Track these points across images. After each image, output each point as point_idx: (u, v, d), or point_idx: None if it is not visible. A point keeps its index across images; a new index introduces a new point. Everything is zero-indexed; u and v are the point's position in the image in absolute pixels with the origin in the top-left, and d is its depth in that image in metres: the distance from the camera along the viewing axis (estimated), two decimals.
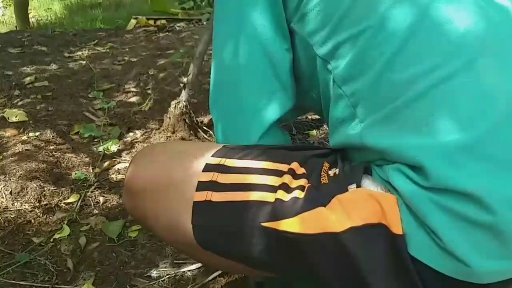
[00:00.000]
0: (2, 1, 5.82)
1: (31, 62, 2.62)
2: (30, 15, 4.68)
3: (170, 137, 1.73)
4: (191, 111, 1.75)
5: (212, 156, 0.70)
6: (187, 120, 1.73)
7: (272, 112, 0.76)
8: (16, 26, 4.23)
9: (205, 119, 1.90)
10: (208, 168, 0.68)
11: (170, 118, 1.74)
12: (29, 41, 3.06)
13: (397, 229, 0.58)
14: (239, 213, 0.64)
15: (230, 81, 0.78)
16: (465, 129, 0.56)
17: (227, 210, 0.65)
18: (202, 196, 0.66)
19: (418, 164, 0.57)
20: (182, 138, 1.71)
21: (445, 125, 0.56)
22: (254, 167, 0.67)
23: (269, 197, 0.63)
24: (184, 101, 1.73)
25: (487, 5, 0.61)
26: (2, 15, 5.53)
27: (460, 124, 0.56)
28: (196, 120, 1.80)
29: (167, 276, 1.13)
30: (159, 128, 1.81)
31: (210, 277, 1.10)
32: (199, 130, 1.78)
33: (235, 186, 0.65)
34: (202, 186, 0.67)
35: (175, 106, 1.73)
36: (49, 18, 5.06)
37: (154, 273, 1.14)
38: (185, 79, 1.74)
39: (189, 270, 1.14)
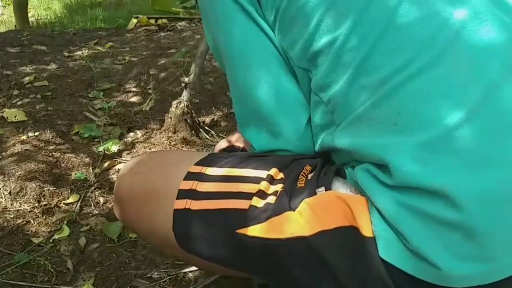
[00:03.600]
0: (1, 0, 5.81)
1: (31, 61, 2.61)
2: (29, 14, 4.67)
3: (171, 137, 1.72)
4: (192, 111, 1.74)
5: (195, 164, 0.72)
6: (188, 120, 1.72)
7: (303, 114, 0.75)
8: (15, 26, 4.22)
9: (207, 119, 1.89)
10: (189, 176, 0.70)
11: (171, 118, 1.73)
12: (28, 40, 3.04)
13: (367, 231, 0.57)
14: (216, 221, 0.66)
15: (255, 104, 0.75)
16: (431, 126, 0.55)
17: (205, 218, 0.67)
18: (182, 204, 0.69)
19: (383, 162, 0.56)
20: (184, 138, 1.70)
21: (410, 123, 0.56)
22: (233, 175, 0.69)
23: (244, 204, 0.65)
24: (186, 101, 1.72)
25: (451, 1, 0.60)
26: (1, 14, 5.52)
27: (426, 121, 0.55)
28: (198, 120, 1.79)
29: (168, 277, 1.12)
30: (160, 128, 1.80)
31: (212, 279, 1.09)
32: (200, 130, 1.77)
33: (213, 194, 0.68)
34: (182, 194, 0.69)
35: (177, 106, 1.73)
36: (49, 17, 5.05)
37: (155, 274, 1.13)
38: (186, 79, 1.73)
39: (190, 271, 1.12)
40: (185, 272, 1.13)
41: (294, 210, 0.61)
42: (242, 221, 0.64)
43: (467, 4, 0.59)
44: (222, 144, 1.05)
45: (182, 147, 1.69)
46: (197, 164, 0.72)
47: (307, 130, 0.72)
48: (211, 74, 2.29)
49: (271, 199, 0.64)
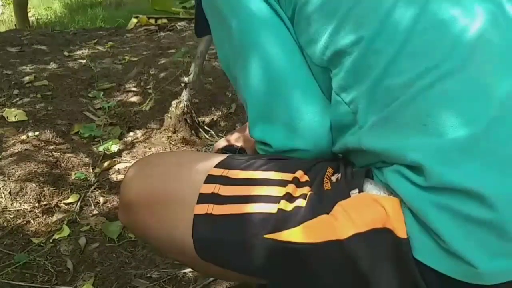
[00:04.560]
0: (2, 0, 5.81)
1: (31, 61, 2.60)
2: (29, 14, 4.67)
3: (171, 137, 1.72)
4: (192, 111, 1.75)
5: (215, 167, 0.69)
6: (188, 120, 1.72)
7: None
8: (15, 25, 4.22)
9: (207, 119, 1.89)
10: (210, 179, 0.67)
11: (171, 118, 1.73)
12: (28, 40, 3.04)
13: (401, 233, 0.57)
14: (240, 226, 0.63)
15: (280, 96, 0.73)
16: (462, 127, 0.56)
17: (228, 223, 0.64)
18: (203, 209, 0.65)
19: (416, 164, 0.57)
20: (183, 138, 1.70)
21: (442, 125, 0.56)
22: (257, 178, 0.66)
23: (271, 208, 0.62)
24: (186, 101, 1.72)
25: (474, 10, 0.61)
26: (2, 13, 5.52)
27: (457, 123, 0.56)
28: (198, 120, 1.79)
29: (168, 277, 1.12)
30: (159, 128, 1.80)
31: (211, 278, 1.09)
32: (200, 130, 1.78)
33: (237, 198, 0.65)
34: (204, 198, 0.66)
35: (176, 105, 1.73)
36: (49, 17, 5.05)
37: (154, 274, 1.13)
38: (186, 79, 1.74)
39: (190, 271, 1.13)
40: (185, 272, 1.13)
41: (327, 213, 0.60)
42: (270, 225, 0.61)
43: (485, 9, 0.60)
44: (221, 143, 1.05)
45: (182, 146, 1.69)
46: (217, 166, 0.69)
47: (327, 129, 0.70)
48: (211, 74, 2.29)
49: (301, 202, 0.62)
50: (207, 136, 1.76)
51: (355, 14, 0.62)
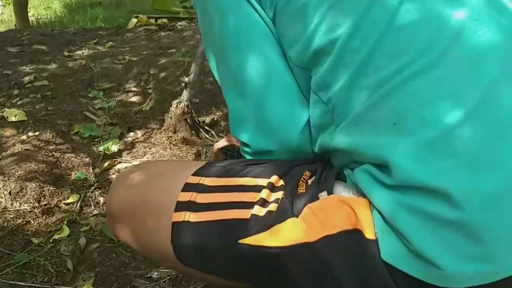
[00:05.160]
0: (2, 0, 5.81)
1: (31, 61, 2.60)
2: (29, 14, 4.67)
3: (171, 137, 1.72)
4: (192, 111, 1.74)
5: (193, 175, 0.71)
6: (188, 120, 1.72)
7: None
8: (15, 25, 4.22)
9: (207, 119, 1.89)
10: (187, 188, 0.69)
11: (171, 117, 1.73)
12: (28, 40, 3.04)
13: (370, 234, 0.57)
14: (216, 232, 0.65)
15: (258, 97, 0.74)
16: (431, 126, 0.55)
17: (205, 229, 0.66)
18: (180, 216, 0.67)
19: (383, 161, 0.56)
20: (184, 138, 1.70)
21: (411, 123, 0.56)
22: (233, 185, 0.68)
23: (245, 214, 0.64)
24: (186, 101, 1.72)
25: (458, 1, 0.60)
26: (1, 13, 5.52)
27: (426, 121, 0.55)
28: (198, 120, 1.79)
29: (168, 277, 1.12)
30: (160, 128, 1.80)
31: None
32: (200, 130, 1.77)
33: (213, 205, 0.66)
34: (181, 206, 0.68)
35: (177, 105, 1.72)
36: (49, 17, 5.05)
37: (154, 274, 1.13)
38: (186, 79, 1.73)
39: None
40: None
41: (297, 216, 0.61)
42: (244, 231, 0.63)
43: (466, 6, 0.59)
44: (221, 143, 1.05)
45: (182, 146, 1.69)
46: (195, 174, 0.71)
47: (306, 128, 0.71)
48: (211, 74, 2.28)
49: (273, 207, 0.63)
50: (207, 136, 1.76)
51: (334, 13, 0.62)
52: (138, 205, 0.73)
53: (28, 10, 4.56)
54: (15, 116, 1.85)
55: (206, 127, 1.79)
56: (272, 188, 0.66)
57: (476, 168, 0.54)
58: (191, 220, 0.66)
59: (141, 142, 1.73)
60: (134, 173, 0.78)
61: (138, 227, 0.73)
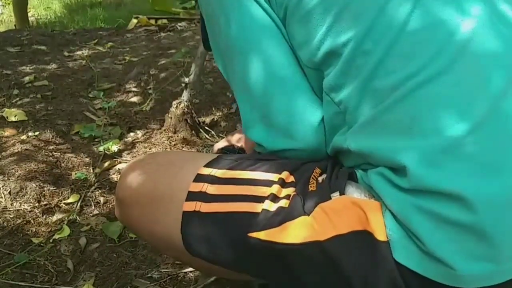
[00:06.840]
0: (1, 0, 5.81)
1: (31, 61, 2.60)
2: (29, 14, 4.66)
3: (171, 137, 1.72)
4: (192, 111, 1.75)
5: (205, 166, 0.71)
6: (188, 120, 1.72)
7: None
8: (15, 25, 4.22)
9: (207, 119, 1.89)
10: (199, 178, 0.70)
11: (171, 118, 1.73)
12: (28, 40, 3.04)
13: (381, 235, 0.58)
14: (226, 224, 0.66)
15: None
16: (446, 130, 0.56)
17: (215, 220, 0.67)
18: (191, 206, 0.68)
19: (399, 165, 0.57)
20: (184, 139, 1.70)
21: (426, 127, 0.57)
22: (244, 178, 0.68)
23: (256, 207, 0.64)
24: (186, 101, 1.72)
25: (466, 9, 0.61)
26: (1, 13, 5.52)
27: (441, 126, 0.56)
28: (198, 120, 1.79)
29: (169, 277, 1.11)
30: (160, 128, 1.80)
31: (212, 278, 1.09)
32: (200, 130, 1.77)
33: (224, 197, 0.67)
34: (192, 196, 0.69)
35: (177, 106, 1.73)
36: (49, 17, 5.05)
37: (155, 274, 1.13)
38: (186, 79, 1.73)
39: (190, 271, 1.12)
40: (185, 272, 1.12)
41: (308, 215, 0.61)
42: (254, 224, 0.63)
43: (473, 15, 0.60)
44: (221, 143, 1.05)
45: (182, 147, 1.69)
46: (207, 166, 0.71)
47: (321, 128, 0.71)
48: (211, 74, 2.29)
49: (284, 203, 0.63)
50: (207, 137, 1.76)
51: (346, 15, 0.62)
52: (148, 192, 0.73)
53: (28, 10, 4.56)
54: (15, 116, 1.85)
55: (206, 128, 1.80)
56: (283, 183, 0.66)
57: (488, 172, 0.55)
58: (202, 210, 0.67)
59: (141, 142, 1.73)
60: (145, 161, 0.79)
61: (147, 214, 0.73)
